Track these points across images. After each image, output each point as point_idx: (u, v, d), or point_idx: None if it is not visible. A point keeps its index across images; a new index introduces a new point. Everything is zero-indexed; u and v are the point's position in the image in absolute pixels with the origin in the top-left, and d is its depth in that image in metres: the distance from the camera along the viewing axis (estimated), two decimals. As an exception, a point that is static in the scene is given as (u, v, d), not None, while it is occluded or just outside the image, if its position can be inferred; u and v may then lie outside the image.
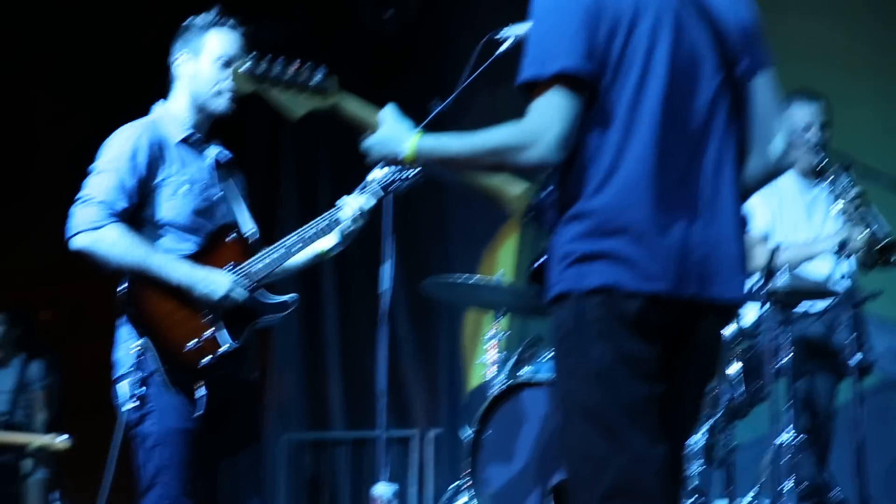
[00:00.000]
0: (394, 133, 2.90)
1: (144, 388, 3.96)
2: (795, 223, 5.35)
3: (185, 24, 4.36)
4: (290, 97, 2.92)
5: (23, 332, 8.36)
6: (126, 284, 4.02)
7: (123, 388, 4.00)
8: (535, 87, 2.72)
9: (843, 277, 4.82)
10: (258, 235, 4.37)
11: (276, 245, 4.24)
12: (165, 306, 4.04)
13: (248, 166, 8.96)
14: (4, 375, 8.08)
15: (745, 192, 2.82)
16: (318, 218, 4.32)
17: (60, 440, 7.10)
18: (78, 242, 4.01)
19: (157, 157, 4.16)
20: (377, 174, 4.38)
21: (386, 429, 4.77)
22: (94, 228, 4.00)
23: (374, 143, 2.94)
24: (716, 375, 4.66)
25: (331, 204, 4.34)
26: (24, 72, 9.03)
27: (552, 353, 2.78)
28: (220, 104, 4.28)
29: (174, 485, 3.96)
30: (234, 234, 4.25)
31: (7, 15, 8.65)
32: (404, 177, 4.42)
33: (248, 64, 2.86)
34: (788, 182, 5.37)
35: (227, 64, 4.26)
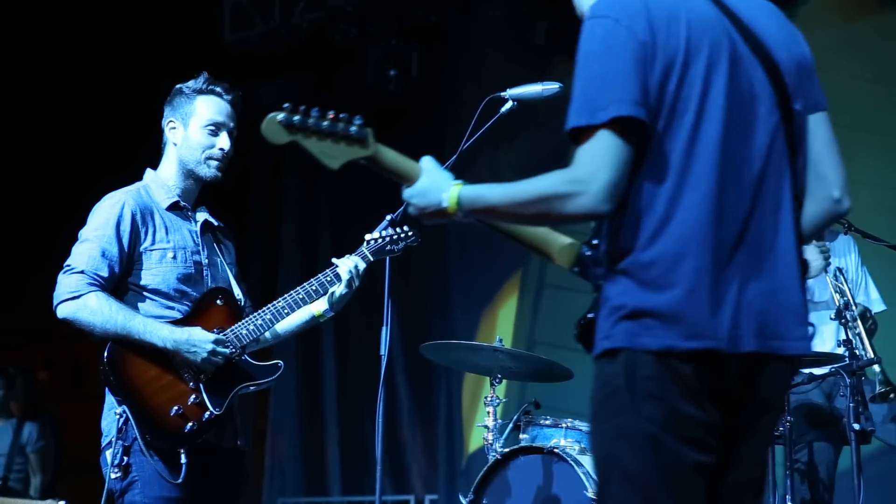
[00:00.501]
0: (434, 183, 2.76)
1: (126, 457, 3.92)
2: None
3: (175, 88, 4.37)
4: (327, 147, 2.79)
5: (21, 392, 8.29)
6: (106, 353, 4.01)
7: (107, 457, 3.97)
8: (584, 132, 2.57)
9: (839, 344, 4.77)
10: (246, 300, 4.38)
11: (264, 309, 4.24)
12: (149, 372, 4.03)
13: (250, 226, 9.05)
14: None
15: (802, 239, 2.68)
16: (309, 281, 4.32)
17: None
18: (62, 311, 4.03)
19: (141, 225, 4.16)
20: (372, 236, 4.35)
21: (382, 494, 4.68)
22: (75, 297, 4.01)
23: (414, 193, 2.78)
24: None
25: (331, 263, 4.33)
26: (17, 130, 9.05)
27: (593, 411, 2.59)
28: (208, 172, 4.29)
29: None
30: (221, 299, 4.25)
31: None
32: (398, 238, 4.39)
33: (283, 114, 2.74)
34: None
35: (215, 131, 4.27)
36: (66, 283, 4.03)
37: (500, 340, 5.42)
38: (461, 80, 8.15)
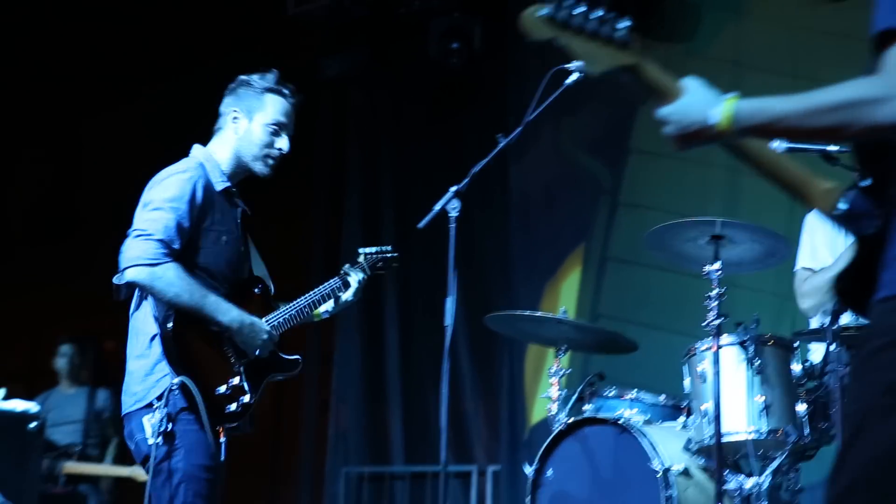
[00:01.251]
0: (700, 100, 2.52)
1: (172, 424, 3.99)
2: None
3: (242, 78, 4.43)
4: (592, 50, 2.55)
5: (90, 361, 8.43)
6: (171, 324, 4.06)
7: (147, 423, 4.02)
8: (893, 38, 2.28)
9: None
10: (273, 291, 4.53)
11: (293, 303, 4.47)
12: (205, 349, 4.14)
13: (314, 200, 9.10)
14: (73, 405, 8.13)
15: None
16: (322, 286, 4.60)
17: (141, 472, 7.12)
18: (133, 274, 4.03)
19: (208, 203, 4.24)
20: (366, 251, 4.72)
21: (446, 464, 4.72)
22: (151, 264, 4.03)
23: (674, 111, 2.54)
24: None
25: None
26: (76, 98, 9.14)
27: (860, 362, 2.34)
28: (263, 168, 4.40)
29: None
30: (259, 288, 4.42)
31: None
32: (383, 258, 4.71)
33: (547, 8, 2.55)
34: None
35: (278, 131, 4.37)
36: (140, 248, 4.03)
37: (565, 311, 5.44)
38: (524, 54, 8.12)
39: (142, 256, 4.02)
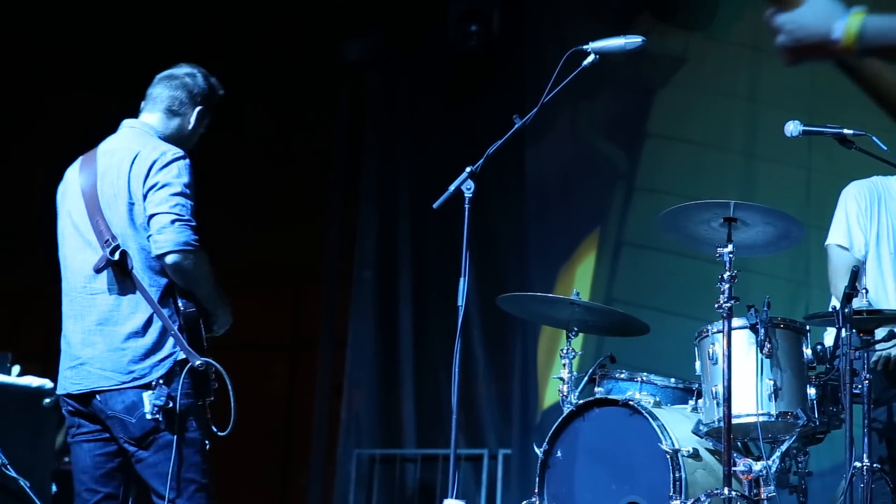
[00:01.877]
0: (822, 11, 2.28)
1: (175, 402, 4.09)
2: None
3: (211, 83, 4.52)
4: None
5: None
6: (194, 308, 4.18)
7: (148, 399, 4.09)
8: None
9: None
10: None
11: None
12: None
13: (331, 183, 9.11)
14: None
15: None
16: None
17: None
18: (178, 259, 4.09)
19: None
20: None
21: (457, 447, 4.73)
22: (195, 251, 4.12)
23: (794, 20, 2.32)
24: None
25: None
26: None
27: None
28: None
29: (209, 491, 4.15)
30: None
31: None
32: None
33: None
34: None
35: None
36: (185, 234, 4.10)
37: (577, 293, 5.43)
38: (542, 37, 8.12)
39: (187, 242, 4.09)
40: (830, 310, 4.60)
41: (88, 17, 8.89)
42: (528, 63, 8.09)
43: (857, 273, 4.55)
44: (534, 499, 5.15)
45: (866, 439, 4.50)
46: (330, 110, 9.15)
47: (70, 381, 4.19)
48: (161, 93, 4.40)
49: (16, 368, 6.82)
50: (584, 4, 7.84)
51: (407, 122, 8.91)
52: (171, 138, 4.36)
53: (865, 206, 5.19)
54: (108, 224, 4.14)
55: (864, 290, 4.59)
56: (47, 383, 6.72)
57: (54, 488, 6.58)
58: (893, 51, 2.10)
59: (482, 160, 4.57)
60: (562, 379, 5.39)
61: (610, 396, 5.17)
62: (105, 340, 4.13)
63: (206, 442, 4.17)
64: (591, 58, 4.66)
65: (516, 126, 4.71)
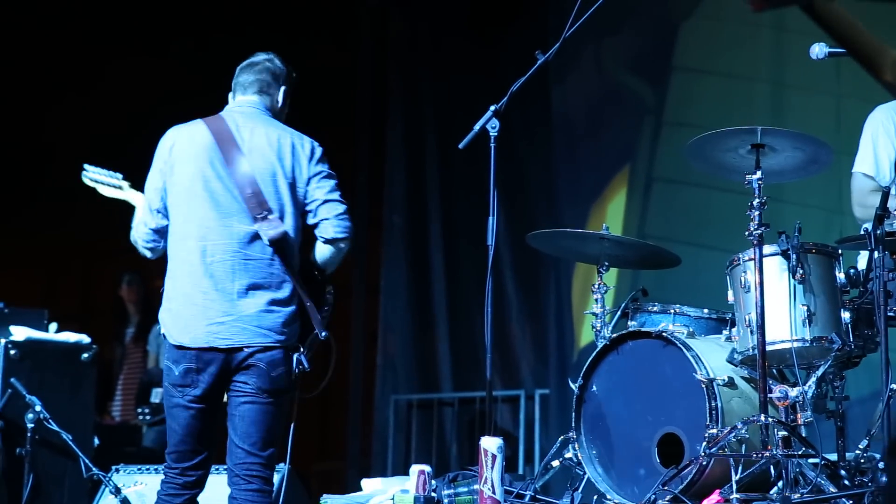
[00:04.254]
0: None
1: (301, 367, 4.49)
2: None
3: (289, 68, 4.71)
4: None
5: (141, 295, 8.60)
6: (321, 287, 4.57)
7: (294, 360, 4.46)
8: None
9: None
10: None
11: None
12: None
13: (357, 128, 9.10)
14: None
15: None
16: None
17: None
18: (347, 245, 4.51)
19: None
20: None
21: (493, 388, 4.75)
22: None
23: None
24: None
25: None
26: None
27: None
28: None
29: None
30: None
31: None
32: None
33: None
34: None
35: None
36: (350, 224, 4.52)
37: (607, 228, 5.42)
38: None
39: (351, 230, 4.50)
40: (862, 233, 4.56)
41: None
42: (552, -1, 8.02)
43: (887, 195, 4.51)
44: (571, 433, 5.17)
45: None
46: (353, 54, 9.13)
47: (217, 335, 4.32)
48: (247, 78, 4.61)
49: (53, 325, 6.89)
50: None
51: (431, 64, 8.87)
52: None
53: (894, 131, 5.15)
54: (265, 198, 4.37)
55: (895, 212, 4.54)
56: (84, 338, 6.81)
57: (96, 441, 6.66)
58: None
59: (506, 98, 4.57)
60: (595, 314, 5.39)
61: (643, 329, 5.17)
62: (259, 301, 4.35)
63: None
64: (611, -9, 4.62)
65: (539, 62, 4.69)
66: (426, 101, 8.85)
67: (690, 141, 4.88)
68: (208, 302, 4.32)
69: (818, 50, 4.84)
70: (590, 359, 5.18)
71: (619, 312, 5.42)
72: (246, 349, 4.30)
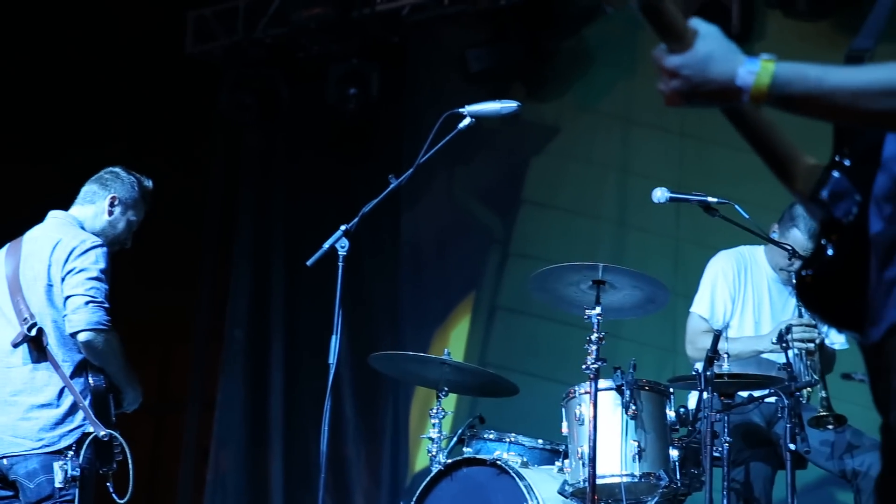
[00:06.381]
0: (725, 52, 2.04)
1: (80, 470, 4.39)
2: (759, 317, 5.32)
3: (130, 174, 4.87)
4: None
5: None
6: (105, 385, 4.51)
7: (59, 468, 4.35)
8: None
9: (779, 368, 4.83)
10: None
11: None
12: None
13: (203, 238, 9.03)
14: None
15: None
16: None
17: None
18: (89, 337, 4.41)
19: None
20: None
21: (325, 506, 4.70)
22: (107, 330, 4.45)
23: (691, 62, 2.05)
24: None
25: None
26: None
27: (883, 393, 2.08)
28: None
29: None
30: None
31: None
32: None
33: None
34: (763, 275, 5.35)
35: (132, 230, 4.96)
36: (97, 314, 4.43)
37: (448, 353, 5.47)
38: (421, 101, 8.21)
39: (100, 322, 4.42)
40: (693, 373, 4.70)
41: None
42: (407, 126, 8.16)
43: (718, 337, 4.67)
44: (400, 558, 5.14)
45: (725, 501, 4.59)
46: (205, 168, 9.10)
47: None
48: (88, 189, 4.79)
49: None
50: (462, 71, 7.93)
51: (283, 181, 8.89)
52: (100, 233, 4.71)
53: (732, 278, 5.34)
54: (27, 304, 4.47)
55: (724, 355, 4.70)
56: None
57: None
58: (805, 102, 1.89)
59: (357, 219, 4.62)
60: (431, 439, 5.40)
61: (478, 456, 5.19)
62: (18, 409, 4.40)
63: None
64: (467, 121, 4.73)
65: (392, 186, 4.76)
66: (276, 217, 8.84)
67: (534, 273, 5.00)
68: None
69: (660, 194, 5.02)
70: (423, 483, 5.19)
71: (455, 438, 5.44)
72: (6, 459, 4.37)
